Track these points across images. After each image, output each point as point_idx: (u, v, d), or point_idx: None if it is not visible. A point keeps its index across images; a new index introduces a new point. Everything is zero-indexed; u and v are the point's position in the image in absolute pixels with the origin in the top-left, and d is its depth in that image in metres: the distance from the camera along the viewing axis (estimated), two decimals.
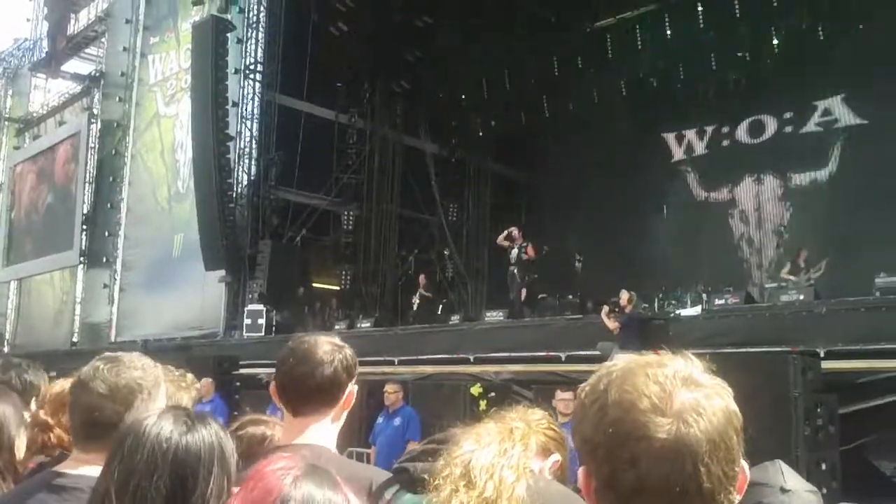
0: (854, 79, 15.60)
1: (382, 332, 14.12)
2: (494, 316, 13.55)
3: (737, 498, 1.06)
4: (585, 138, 19.27)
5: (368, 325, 14.98)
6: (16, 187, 28.47)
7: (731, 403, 1.08)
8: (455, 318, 14.50)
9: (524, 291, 14.19)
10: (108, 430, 1.68)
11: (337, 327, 15.07)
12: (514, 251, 14.02)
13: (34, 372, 2.94)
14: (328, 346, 2.20)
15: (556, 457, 1.84)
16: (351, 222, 19.93)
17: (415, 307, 16.34)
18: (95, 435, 1.80)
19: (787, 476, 1.58)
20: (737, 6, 16.21)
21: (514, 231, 14.22)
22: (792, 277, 12.28)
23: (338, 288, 19.73)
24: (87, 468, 1.64)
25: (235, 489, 1.61)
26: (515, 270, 13.97)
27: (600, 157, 18.95)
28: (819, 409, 7.04)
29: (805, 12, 15.64)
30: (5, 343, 28.08)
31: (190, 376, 2.30)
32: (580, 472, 1.13)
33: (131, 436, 1.52)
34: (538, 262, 14.41)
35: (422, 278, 17.01)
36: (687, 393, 1.05)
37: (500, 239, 14.32)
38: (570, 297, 14.50)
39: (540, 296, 15.17)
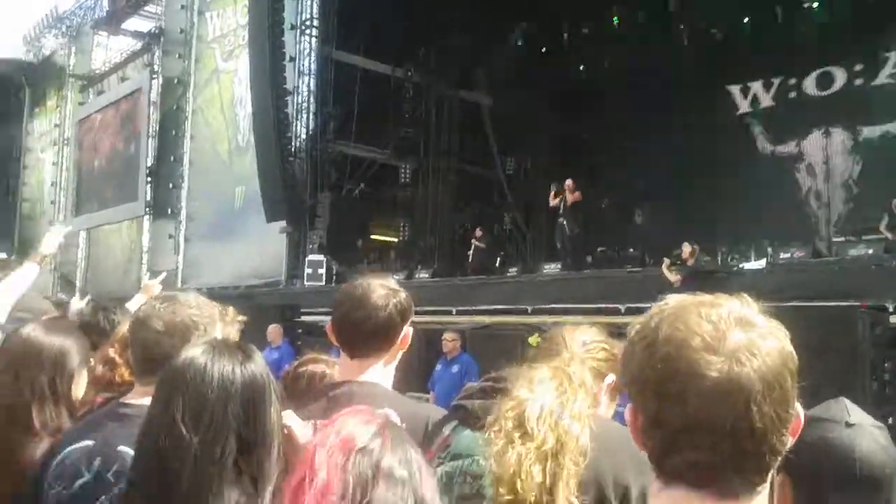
0: None
1: (440, 283, 14.17)
2: (552, 268, 13.47)
3: (790, 440, 1.04)
4: (647, 91, 18.78)
5: (427, 275, 15.03)
6: (83, 141, 29.15)
7: (788, 345, 1.05)
8: (513, 271, 14.45)
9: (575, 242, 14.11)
10: (167, 364, 1.70)
11: (395, 278, 15.15)
12: (559, 199, 14.01)
13: (122, 314, 3.06)
14: (382, 291, 2.20)
15: (611, 377, 1.82)
16: (408, 176, 19.95)
17: (470, 258, 16.37)
18: (154, 369, 1.83)
19: (852, 411, 1.54)
20: None
21: (569, 182, 14.12)
22: (888, 233, 11.70)
23: (396, 240, 19.86)
24: (150, 399, 1.68)
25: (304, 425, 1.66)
26: (564, 221, 13.91)
27: (663, 110, 18.50)
28: (887, 364, 6.93)
29: None
30: (76, 291, 29.06)
31: (231, 310, 2.33)
32: (627, 409, 1.10)
33: (192, 368, 1.58)
34: (583, 208, 14.25)
35: (477, 230, 17.01)
36: (741, 333, 1.02)
37: (551, 198, 14.28)
38: (631, 250, 14.32)
39: (599, 248, 15.02)
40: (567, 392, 1.59)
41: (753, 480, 1.03)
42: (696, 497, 1.03)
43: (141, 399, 1.90)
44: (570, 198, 13.93)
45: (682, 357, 1.01)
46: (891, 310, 7.74)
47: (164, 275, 4.54)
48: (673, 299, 1.10)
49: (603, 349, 1.89)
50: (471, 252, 16.66)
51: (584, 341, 1.92)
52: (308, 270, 16.66)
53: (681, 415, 1.00)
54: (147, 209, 24.84)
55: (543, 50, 20.36)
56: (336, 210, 18.06)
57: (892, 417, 6.56)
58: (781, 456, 1.04)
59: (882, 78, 16.09)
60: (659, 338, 1.04)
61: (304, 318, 12.60)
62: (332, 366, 2.71)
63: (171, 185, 24.01)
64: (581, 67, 20.22)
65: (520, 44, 19.79)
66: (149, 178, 24.78)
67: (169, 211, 24.03)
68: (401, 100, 20.06)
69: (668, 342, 1.03)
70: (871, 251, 10.55)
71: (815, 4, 16.41)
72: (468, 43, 19.75)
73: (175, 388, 1.56)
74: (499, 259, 17.36)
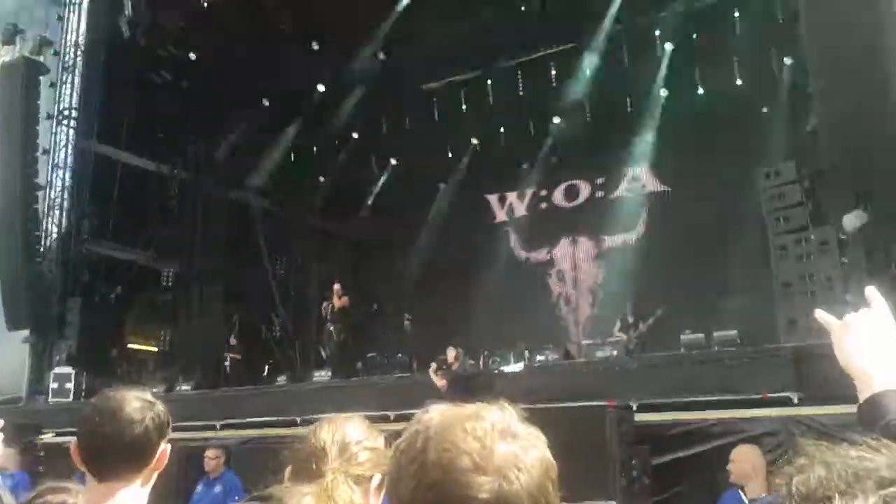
0: (658, 149, 16.90)
1: (203, 395, 13.52)
2: (322, 376, 13.32)
3: None
4: (413, 196, 19.68)
5: (188, 387, 14.29)
6: None
7: (547, 453, 1.08)
8: (281, 379, 14.13)
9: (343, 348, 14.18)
10: None
11: (154, 391, 14.24)
12: (326, 304, 14.16)
13: None
14: (137, 403, 2.07)
15: (377, 479, 1.81)
16: (171, 279, 19.06)
17: (228, 370, 15.90)
18: None
19: None
20: (553, 75, 17.16)
21: (336, 287, 14.28)
22: (623, 336, 12.84)
23: (156, 349, 18.72)
24: None
25: None
26: (331, 327, 13.97)
27: (427, 216, 19.45)
28: (634, 461, 7.38)
29: (611, 84, 16.80)
30: None
31: None
32: None
33: None
34: (351, 312, 14.41)
35: (231, 339, 16.64)
36: (505, 446, 1.04)
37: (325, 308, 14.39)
38: (399, 355, 14.52)
39: (368, 354, 15.12)
40: None
41: None
42: None
43: None
44: (337, 303, 14.06)
45: (451, 482, 1.01)
46: (635, 408, 8.35)
47: None
48: (436, 412, 1.10)
49: (365, 449, 1.87)
50: (227, 364, 16.14)
51: (343, 445, 1.88)
52: (53, 385, 15.15)
53: None
54: None
55: (314, 152, 20.66)
56: (88, 317, 16.74)
57: None
58: None
59: (621, 190, 17.93)
60: (427, 461, 1.03)
61: (45, 439, 11.40)
62: (74, 494, 2.45)
63: None
64: (349, 171, 20.66)
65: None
66: None
67: None
68: (165, 198, 19.36)
69: (437, 466, 1.02)
70: (615, 352, 11.43)
71: (560, 121, 18.00)
72: (238, 141, 19.65)
73: None
74: (267, 367, 16.92)
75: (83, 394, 14.96)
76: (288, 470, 1.92)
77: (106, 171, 17.64)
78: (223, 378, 15.67)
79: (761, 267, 13.09)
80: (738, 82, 15.69)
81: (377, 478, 1.84)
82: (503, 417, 1.08)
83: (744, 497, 5.49)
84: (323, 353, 14.54)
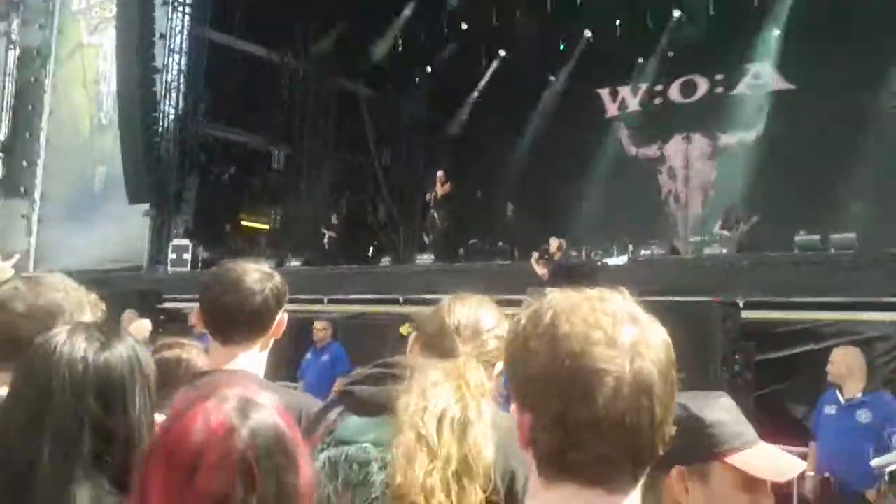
0: (784, 46, 15.93)
1: (311, 271, 13.98)
2: (424, 259, 13.53)
3: (673, 430, 1.05)
4: (521, 89, 19.25)
5: (298, 263, 14.80)
6: None
7: (667, 337, 1.07)
8: (385, 261, 14.45)
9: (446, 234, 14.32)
10: (23, 352, 1.55)
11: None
12: (430, 192, 14.25)
13: None
14: (257, 275, 2.11)
15: (499, 366, 1.79)
16: (281, 162, 19.51)
17: (326, 247, 16.28)
18: (10, 355, 1.68)
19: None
20: None
21: (440, 174, 14.26)
22: (725, 232, 12.48)
23: (267, 227, 19.40)
24: (3, 389, 1.51)
25: (157, 415, 1.51)
26: (435, 213, 14.08)
27: (536, 108, 19.05)
28: (737, 356, 7.32)
29: None
30: None
31: (93, 296, 2.16)
32: (514, 410, 1.07)
33: (41, 355, 1.40)
34: (454, 199, 14.43)
35: (333, 217, 16.94)
36: (633, 327, 1.03)
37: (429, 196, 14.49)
38: (501, 243, 14.57)
39: (470, 241, 15.22)
40: (468, 402, 1.53)
41: (639, 473, 1.04)
42: (588, 494, 1.01)
43: None
44: (440, 190, 14.13)
45: (586, 353, 1.00)
46: (741, 305, 8.19)
47: (16, 257, 4.17)
48: (556, 294, 1.08)
49: (495, 337, 1.85)
50: (325, 241, 16.53)
51: (476, 330, 1.83)
52: (172, 255, 15.96)
53: (588, 413, 0.98)
54: None
55: (423, 42, 20.39)
56: (204, 194, 17.46)
57: (741, 406, 6.93)
58: (665, 446, 1.04)
59: (741, 88, 17.05)
60: (559, 334, 1.02)
61: (166, 304, 12.09)
62: (188, 350, 2.55)
63: (25, 163, 22.53)
64: (458, 63, 20.36)
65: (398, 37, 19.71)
66: (1, 154, 23.22)
67: (22, 189, 22.52)
68: (276, 85, 19.58)
69: (569, 338, 1.01)
70: (724, 251, 11.15)
71: (681, 15, 17.08)
72: (348, 31, 19.56)
73: (24, 378, 1.41)
74: (371, 249, 17.30)
75: (200, 264, 15.74)
76: (414, 340, 1.90)
77: (220, 56, 18.00)
78: (331, 255, 16.11)
79: (886, 174, 12.42)
80: None
81: (499, 365, 1.82)
82: (625, 300, 1.07)
83: (840, 396, 5.67)
84: (426, 239, 14.67)
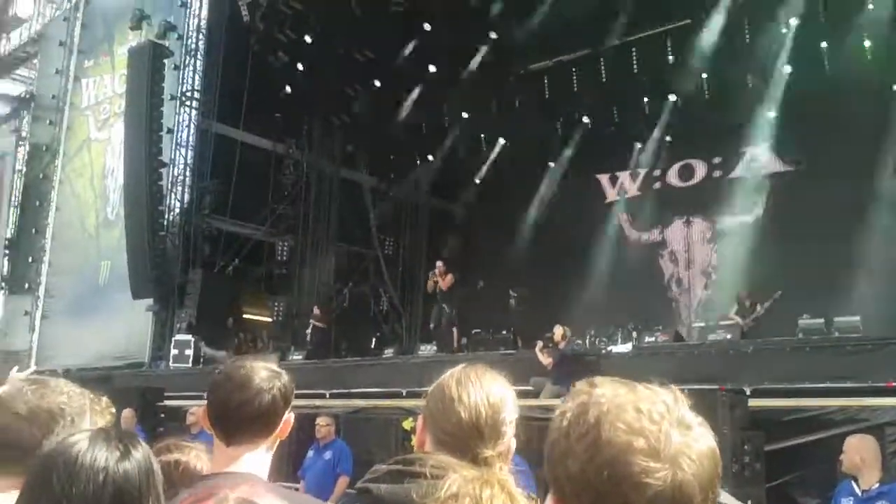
0: (780, 128, 16.22)
1: (314, 365, 13.93)
2: (427, 350, 13.50)
3: None
4: (522, 176, 19.59)
5: (300, 357, 14.77)
6: None
7: (715, 445, 1.05)
8: (388, 352, 14.43)
9: (454, 329, 14.35)
10: (23, 455, 1.56)
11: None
12: (432, 282, 14.47)
13: None
14: (266, 373, 2.13)
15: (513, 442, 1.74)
16: (285, 253, 19.69)
17: (308, 338, 16.28)
18: (7, 458, 1.67)
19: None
20: (669, 51, 16.66)
21: (439, 265, 14.42)
22: (737, 318, 12.51)
23: (269, 320, 19.41)
24: (5, 495, 1.52)
25: None
26: (444, 305, 14.29)
27: (536, 195, 19.34)
28: (746, 447, 7.19)
29: (730, 60, 16.11)
30: None
31: (105, 399, 2.18)
32: (551, 501, 1.06)
33: (61, 463, 1.41)
34: (456, 289, 14.55)
35: (315, 309, 16.99)
36: (679, 435, 1.01)
37: (430, 283, 14.69)
38: (504, 332, 14.56)
39: (474, 330, 15.22)
40: None
41: None
42: None
43: None
44: (442, 282, 14.28)
45: (627, 463, 0.98)
46: (748, 393, 8.13)
47: (32, 368, 4.18)
48: (606, 387, 1.07)
49: (509, 424, 1.78)
50: (308, 331, 16.52)
51: (495, 424, 1.75)
52: (174, 351, 15.99)
53: None
54: (3, 283, 23.44)
55: (423, 131, 20.81)
56: (207, 287, 17.53)
57: (751, 499, 6.81)
58: None
59: (739, 171, 17.31)
60: (602, 438, 1.00)
61: (167, 402, 12.01)
62: (187, 452, 2.56)
63: (30, 259, 22.71)
64: (459, 150, 20.73)
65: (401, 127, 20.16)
66: (6, 251, 23.45)
67: (27, 286, 22.66)
68: (280, 176, 19.94)
69: (611, 445, 0.99)
70: (729, 336, 11.13)
71: (677, 100, 17.46)
72: (351, 121, 20.02)
73: (36, 486, 1.40)
74: (374, 340, 17.29)
75: (202, 360, 15.69)
76: (422, 430, 1.84)
77: (225, 149, 18.37)
78: (308, 344, 16.10)
79: (889, 254, 12.48)
80: (868, 58, 14.80)
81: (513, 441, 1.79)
82: (676, 403, 1.05)
83: (856, 487, 5.45)
84: (432, 326, 14.75)
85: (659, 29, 16.74)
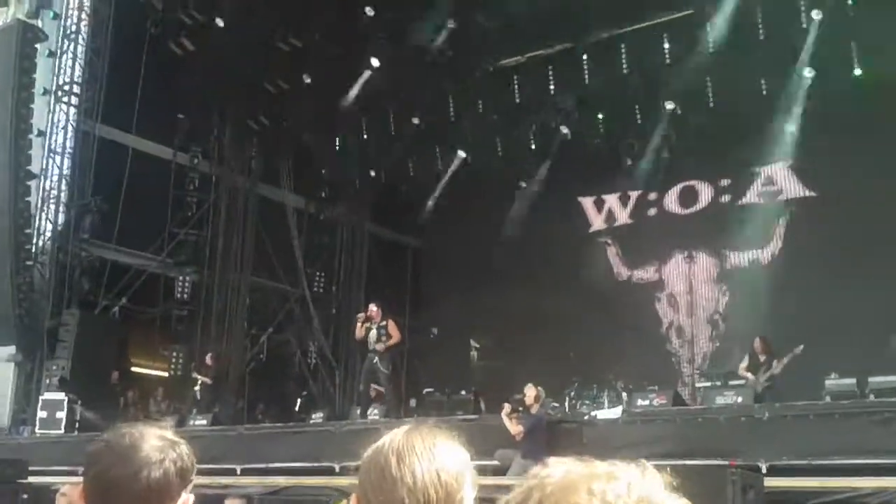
0: (801, 144, 16.45)
1: (222, 432, 13.77)
2: (369, 414, 13.44)
3: None
4: (486, 198, 19.67)
5: (204, 422, 14.60)
6: None
7: None
8: (318, 416, 14.32)
9: (391, 388, 14.11)
10: None
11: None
12: (373, 333, 13.55)
13: None
14: (158, 442, 2.10)
15: None
16: (187, 291, 19.48)
17: (197, 396, 16.12)
18: None
19: None
20: (667, 48, 16.90)
21: (372, 308, 13.88)
22: (750, 375, 12.63)
23: (166, 374, 19.17)
24: None
25: None
26: (377, 361, 13.50)
27: (503, 222, 19.38)
28: None
29: (740, 60, 16.39)
30: None
31: None
32: None
33: None
34: (403, 338, 14.40)
35: (207, 357, 16.84)
36: None
37: (359, 329, 13.79)
38: (463, 392, 14.55)
39: (425, 390, 15.18)
40: None
41: None
42: None
43: None
44: (389, 333, 13.54)
45: None
46: (764, 470, 8.21)
47: None
48: (559, 466, 1.06)
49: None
50: (197, 388, 16.42)
51: (458, 501, 1.76)
52: (42, 414, 15.69)
53: None
54: None
55: (365, 139, 20.80)
56: (86, 333, 17.24)
57: None
58: None
59: (752, 196, 17.56)
60: None
61: (31, 479, 11.77)
62: None
63: None
64: (409, 164, 20.79)
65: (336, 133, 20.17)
66: None
67: None
68: (182, 193, 19.83)
69: None
70: (740, 399, 11.25)
71: (675, 107, 17.67)
72: (273, 126, 19.96)
73: None
74: (299, 401, 17.14)
75: (77, 426, 15.38)
76: None
77: (113, 158, 18.15)
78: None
79: None
80: None
81: None
82: (643, 482, 1.03)
83: None
84: (361, 387, 14.57)
85: (654, 21, 17.02)
